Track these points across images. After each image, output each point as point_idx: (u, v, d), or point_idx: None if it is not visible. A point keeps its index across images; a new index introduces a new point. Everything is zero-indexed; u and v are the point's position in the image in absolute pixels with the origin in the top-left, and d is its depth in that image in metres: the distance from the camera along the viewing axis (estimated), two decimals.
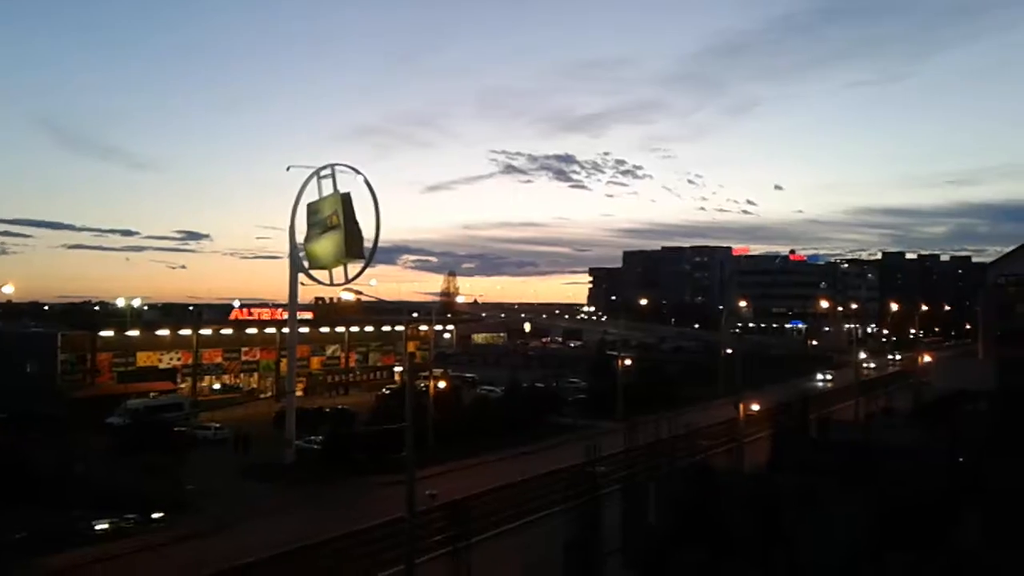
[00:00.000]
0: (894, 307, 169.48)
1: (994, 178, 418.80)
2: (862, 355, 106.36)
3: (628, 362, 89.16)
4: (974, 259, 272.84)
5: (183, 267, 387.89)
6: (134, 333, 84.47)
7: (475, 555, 26.87)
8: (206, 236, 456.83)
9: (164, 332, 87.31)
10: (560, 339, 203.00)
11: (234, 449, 59.08)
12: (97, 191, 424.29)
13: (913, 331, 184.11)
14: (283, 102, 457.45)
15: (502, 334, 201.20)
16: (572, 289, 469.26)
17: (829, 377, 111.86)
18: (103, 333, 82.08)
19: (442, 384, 69.50)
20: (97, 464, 50.61)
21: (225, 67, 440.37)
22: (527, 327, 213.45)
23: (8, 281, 55.38)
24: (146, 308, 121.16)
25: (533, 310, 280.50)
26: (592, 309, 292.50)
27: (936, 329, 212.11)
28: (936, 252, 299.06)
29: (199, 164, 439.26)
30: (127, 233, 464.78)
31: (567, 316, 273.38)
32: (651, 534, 28.49)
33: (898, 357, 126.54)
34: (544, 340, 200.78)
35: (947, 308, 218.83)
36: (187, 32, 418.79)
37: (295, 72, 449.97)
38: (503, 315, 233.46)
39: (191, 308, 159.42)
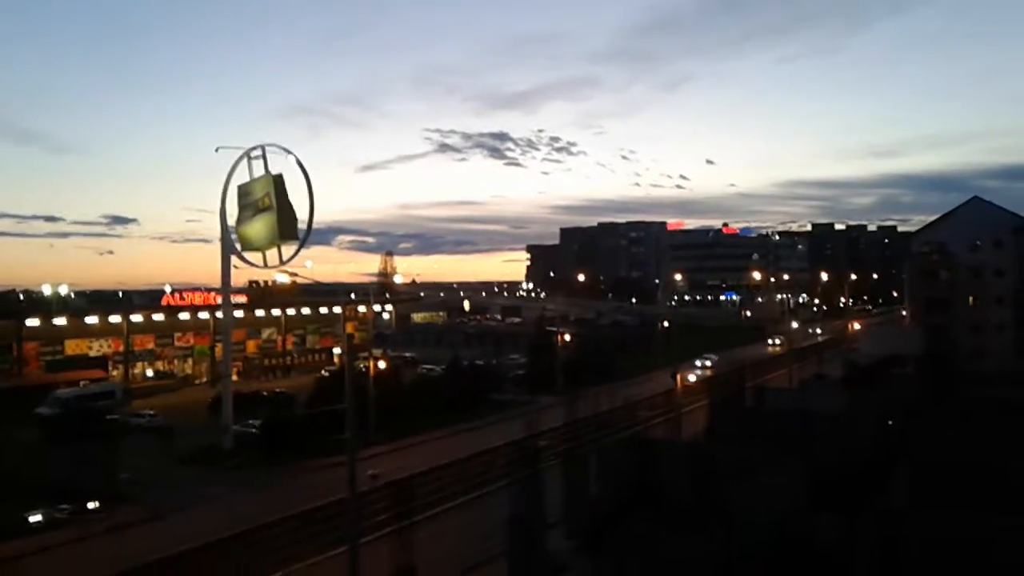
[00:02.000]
0: (824, 277, 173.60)
1: (918, 150, 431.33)
2: (794, 326, 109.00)
3: (567, 337, 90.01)
4: (900, 228, 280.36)
5: (111, 253, 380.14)
6: (62, 321, 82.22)
7: (419, 533, 26.88)
8: (134, 220, 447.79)
9: (93, 319, 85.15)
10: (499, 316, 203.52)
11: (160, 438, 57.68)
12: (17, 176, 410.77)
13: (843, 300, 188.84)
14: (211, 82, 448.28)
15: (441, 313, 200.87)
16: (510, 267, 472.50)
17: (778, 342, 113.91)
18: (29, 322, 79.80)
19: (382, 364, 69.19)
20: (28, 456, 49.34)
21: (150, 46, 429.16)
22: (466, 305, 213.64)
23: None
24: (73, 296, 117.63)
25: (472, 288, 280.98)
26: (531, 286, 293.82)
27: (865, 297, 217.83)
28: (863, 223, 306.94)
29: (124, 146, 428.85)
30: (51, 219, 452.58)
31: (506, 294, 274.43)
32: (592, 505, 28.80)
33: (819, 331, 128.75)
34: (483, 317, 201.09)
35: (875, 277, 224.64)
36: (109, 10, 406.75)
37: (223, 51, 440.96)
38: (442, 294, 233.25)
39: (120, 294, 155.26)
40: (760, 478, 24.94)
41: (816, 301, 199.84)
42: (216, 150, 59.57)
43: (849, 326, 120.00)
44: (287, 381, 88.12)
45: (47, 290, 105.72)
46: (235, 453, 52.81)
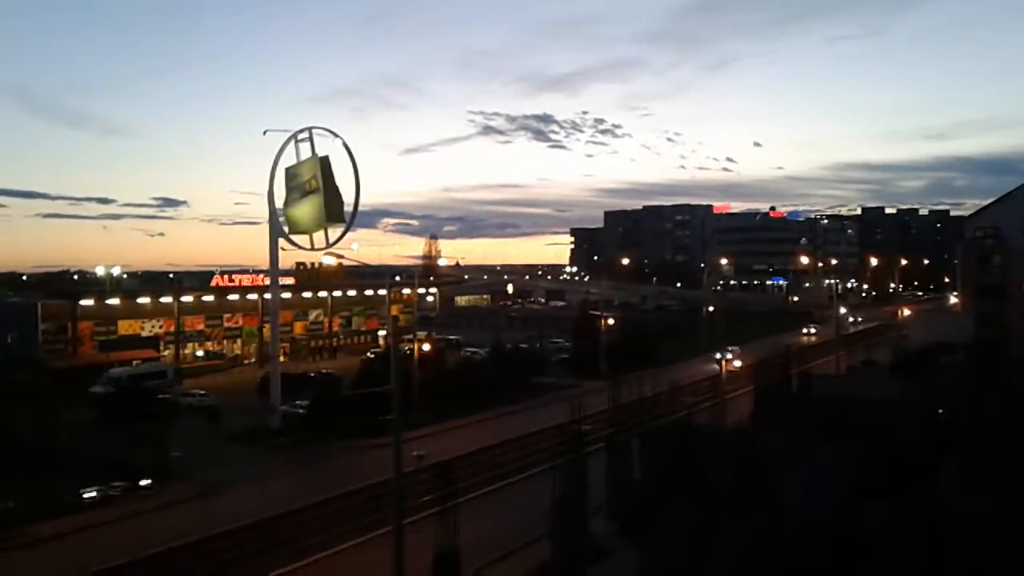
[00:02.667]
0: (874, 262, 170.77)
1: (971, 132, 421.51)
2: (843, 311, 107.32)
3: (611, 321, 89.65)
4: (952, 213, 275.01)
5: (161, 234, 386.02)
6: (115, 302, 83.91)
7: (463, 514, 27.15)
8: (183, 203, 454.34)
9: (145, 300, 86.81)
10: (543, 300, 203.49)
11: (207, 425, 56.66)
12: (71, 159, 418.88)
13: (892, 285, 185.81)
14: (257, 65, 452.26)
15: (485, 296, 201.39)
16: (554, 250, 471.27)
17: (813, 331, 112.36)
18: (83, 302, 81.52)
19: (426, 347, 69.65)
20: (82, 433, 50.61)
21: (197, 31, 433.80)
22: (510, 288, 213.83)
23: None
24: (125, 276, 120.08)
25: (515, 271, 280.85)
26: (574, 269, 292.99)
27: (915, 283, 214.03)
28: (915, 206, 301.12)
29: (174, 129, 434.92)
30: (103, 201, 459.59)
31: (549, 277, 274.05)
32: (636, 489, 28.90)
33: (859, 319, 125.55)
34: (527, 300, 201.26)
35: (926, 262, 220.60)
36: None
37: (269, 35, 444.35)
38: (485, 277, 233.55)
39: (171, 276, 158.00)
40: (806, 464, 24.79)
41: (865, 287, 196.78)
42: (264, 133, 60.02)
43: (899, 312, 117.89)
44: (333, 362, 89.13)
45: (100, 271, 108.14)
46: (283, 433, 53.57)
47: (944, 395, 37.49)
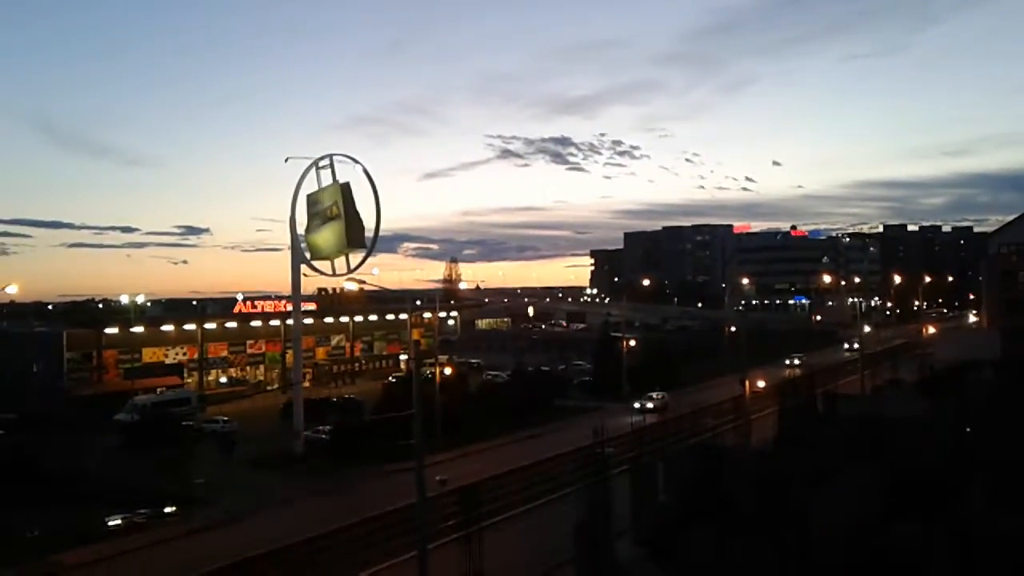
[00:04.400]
0: (897, 280, 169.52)
1: (992, 148, 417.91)
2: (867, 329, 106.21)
3: (632, 343, 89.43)
4: (975, 229, 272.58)
5: (184, 262, 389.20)
6: (139, 329, 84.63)
7: (487, 539, 27.03)
8: (206, 230, 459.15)
9: (169, 327, 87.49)
10: (564, 322, 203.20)
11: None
12: (95, 189, 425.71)
13: (917, 303, 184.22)
14: (277, 94, 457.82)
15: (506, 319, 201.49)
16: (574, 272, 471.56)
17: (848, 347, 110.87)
18: (108, 330, 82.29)
19: (448, 370, 69.68)
20: (107, 461, 50.95)
21: (218, 60, 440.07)
22: (531, 311, 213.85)
23: (11, 281, 55.43)
24: (149, 304, 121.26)
25: (536, 294, 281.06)
26: (595, 291, 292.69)
27: (940, 300, 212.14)
28: (937, 223, 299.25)
29: (196, 158, 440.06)
30: (127, 230, 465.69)
31: (570, 299, 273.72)
32: (660, 513, 28.63)
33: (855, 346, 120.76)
34: (548, 323, 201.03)
35: (950, 279, 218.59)
36: (179, 26, 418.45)
37: (288, 63, 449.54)
38: (506, 300, 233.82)
39: (194, 303, 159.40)
40: (833, 485, 24.52)
41: (889, 304, 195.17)
42: (285, 160, 60.66)
43: (924, 330, 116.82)
44: (355, 387, 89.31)
45: (124, 299, 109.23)
46: (306, 458, 53.66)
47: (971, 413, 37.02)
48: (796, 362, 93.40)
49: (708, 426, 43.30)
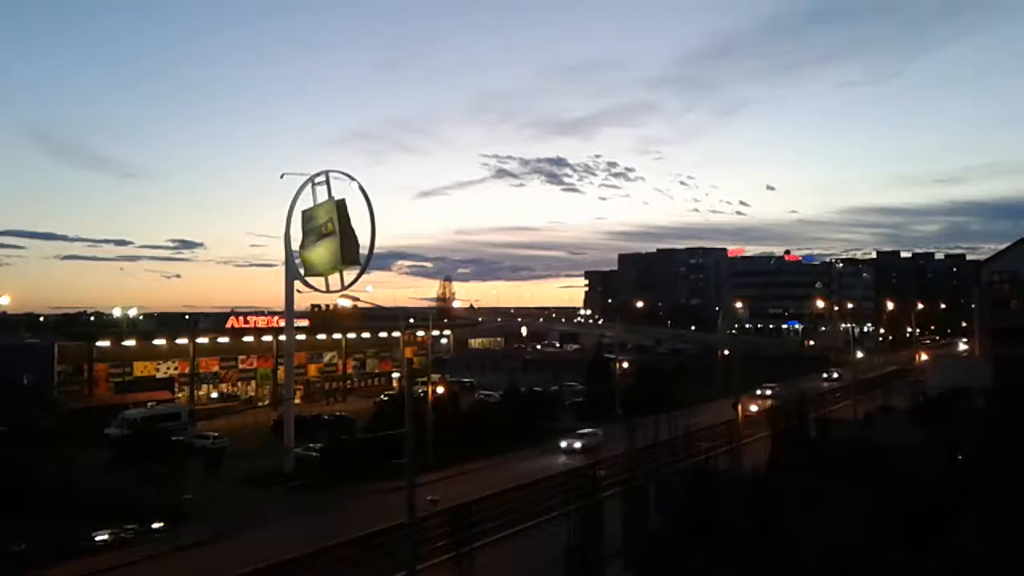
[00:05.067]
0: (890, 306, 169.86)
1: (984, 176, 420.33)
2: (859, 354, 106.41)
3: (625, 365, 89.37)
4: (968, 257, 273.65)
5: (178, 276, 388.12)
6: (131, 343, 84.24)
7: (477, 560, 26.89)
8: (200, 245, 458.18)
9: (161, 341, 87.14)
10: (557, 343, 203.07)
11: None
12: (89, 201, 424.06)
13: (909, 329, 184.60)
14: (273, 109, 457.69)
15: (499, 339, 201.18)
16: (568, 293, 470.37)
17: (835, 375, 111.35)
18: (99, 343, 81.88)
19: (440, 390, 69.49)
20: (96, 475, 50.58)
21: (215, 75, 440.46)
22: (524, 331, 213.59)
23: (3, 293, 55.17)
24: (141, 318, 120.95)
25: (529, 314, 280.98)
26: (588, 312, 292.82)
27: (932, 327, 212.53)
28: (930, 250, 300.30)
29: (191, 172, 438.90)
30: (120, 243, 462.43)
31: (564, 320, 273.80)
32: (652, 536, 28.54)
33: (835, 375, 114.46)
34: (541, 343, 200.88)
35: (943, 306, 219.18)
36: (176, 40, 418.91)
37: (285, 79, 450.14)
38: (499, 320, 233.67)
39: (187, 317, 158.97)
40: (825, 511, 24.50)
41: (881, 331, 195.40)
42: (281, 176, 60.79)
43: (916, 357, 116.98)
44: (347, 404, 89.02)
45: (117, 312, 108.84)
46: (296, 476, 53.37)
47: (964, 440, 37.07)
48: (768, 392, 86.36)
49: (700, 449, 43.25)
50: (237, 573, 33.77)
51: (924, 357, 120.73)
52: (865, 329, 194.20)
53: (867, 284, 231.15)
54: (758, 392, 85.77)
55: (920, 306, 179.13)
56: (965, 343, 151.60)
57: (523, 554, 35.95)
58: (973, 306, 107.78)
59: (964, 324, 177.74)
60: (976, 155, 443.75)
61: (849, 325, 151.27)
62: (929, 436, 38.04)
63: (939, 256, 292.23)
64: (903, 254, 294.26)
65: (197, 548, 38.58)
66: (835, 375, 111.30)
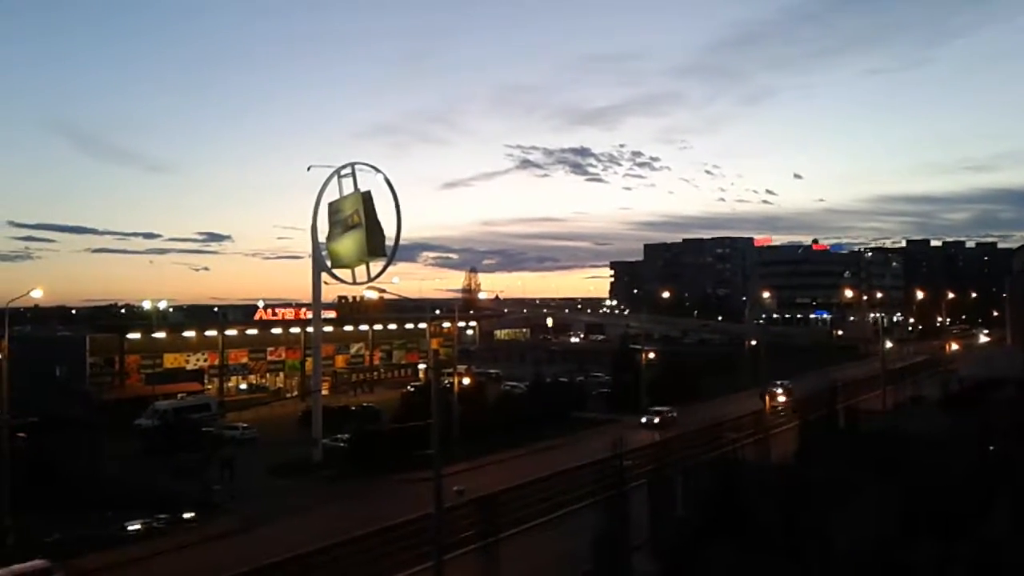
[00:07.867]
0: (920, 295, 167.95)
1: (1015, 163, 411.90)
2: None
3: (651, 355, 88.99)
4: (1000, 245, 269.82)
5: (206, 269, 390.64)
6: (161, 335, 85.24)
7: (504, 550, 26.93)
8: (228, 237, 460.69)
9: (190, 333, 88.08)
10: (583, 334, 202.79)
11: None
12: (118, 195, 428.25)
13: (940, 319, 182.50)
14: (299, 102, 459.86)
15: (525, 330, 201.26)
16: (593, 283, 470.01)
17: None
18: (130, 335, 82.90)
19: (467, 380, 69.62)
20: (127, 466, 51.19)
21: (241, 68, 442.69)
22: (549, 322, 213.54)
23: (36, 286, 55.87)
24: (171, 310, 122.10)
25: (555, 305, 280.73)
26: (614, 303, 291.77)
27: (963, 317, 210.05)
28: (961, 239, 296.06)
29: (218, 165, 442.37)
30: (150, 236, 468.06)
31: (589, 310, 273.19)
32: (679, 527, 28.47)
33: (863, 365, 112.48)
34: (567, 334, 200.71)
35: (973, 295, 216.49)
36: (203, 34, 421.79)
37: (310, 72, 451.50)
38: (525, 311, 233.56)
39: (216, 309, 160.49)
40: (854, 502, 24.30)
41: (911, 320, 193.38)
42: (308, 169, 61.04)
43: (947, 346, 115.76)
44: (374, 396, 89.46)
45: (147, 304, 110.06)
46: (324, 466, 53.77)
47: (996, 431, 36.61)
48: (795, 383, 78.56)
49: (727, 440, 43.07)
50: (265, 562, 34.11)
51: (955, 346, 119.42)
52: (895, 319, 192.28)
53: (896, 273, 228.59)
54: (786, 382, 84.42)
55: (950, 295, 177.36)
56: (987, 335, 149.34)
57: (550, 544, 36.01)
58: (1005, 295, 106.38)
59: (995, 313, 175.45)
60: (1006, 142, 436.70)
61: (878, 314, 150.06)
62: (961, 426, 37.59)
63: (970, 244, 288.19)
64: (933, 243, 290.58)
65: (226, 538, 38.98)
66: (863, 365, 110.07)
